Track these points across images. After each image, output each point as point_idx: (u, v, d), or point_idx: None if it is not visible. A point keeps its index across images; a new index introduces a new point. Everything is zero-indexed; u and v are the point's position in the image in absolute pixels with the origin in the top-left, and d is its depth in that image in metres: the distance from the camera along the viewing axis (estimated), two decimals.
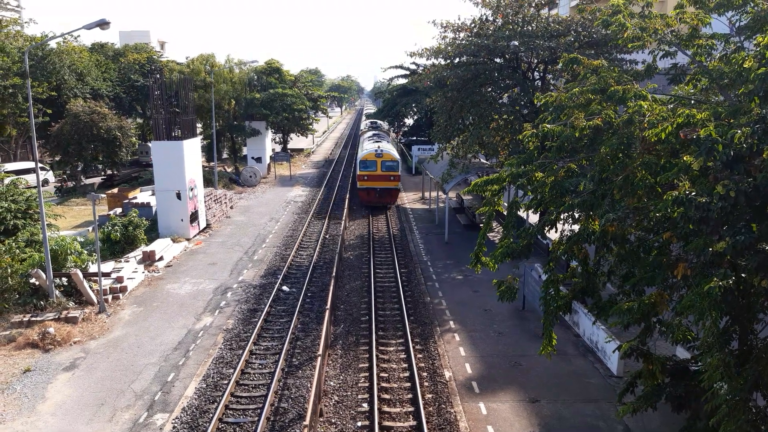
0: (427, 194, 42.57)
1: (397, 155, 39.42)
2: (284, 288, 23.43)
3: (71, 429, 13.86)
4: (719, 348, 8.53)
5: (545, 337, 12.55)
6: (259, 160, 52.27)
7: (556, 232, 12.18)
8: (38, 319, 19.20)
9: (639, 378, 11.61)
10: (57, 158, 42.91)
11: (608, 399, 14.96)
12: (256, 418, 14.26)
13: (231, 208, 37.60)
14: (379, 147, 39.32)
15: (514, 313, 20.70)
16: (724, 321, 9.44)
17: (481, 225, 13.53)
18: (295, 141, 71.29)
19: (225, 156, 55.54)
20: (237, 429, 14.05)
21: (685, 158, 9.67)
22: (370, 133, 52.78)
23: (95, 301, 20.84)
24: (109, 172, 46.16)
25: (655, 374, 11.12)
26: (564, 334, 18.57)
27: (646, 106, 10.92)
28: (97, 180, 46.51)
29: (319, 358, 15.18)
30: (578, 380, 16.07)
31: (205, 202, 32.32)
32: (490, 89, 29.38)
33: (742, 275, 8.58)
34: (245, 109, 50.36)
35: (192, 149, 30.59)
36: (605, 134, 11.31)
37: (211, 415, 14.47)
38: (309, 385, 15.79)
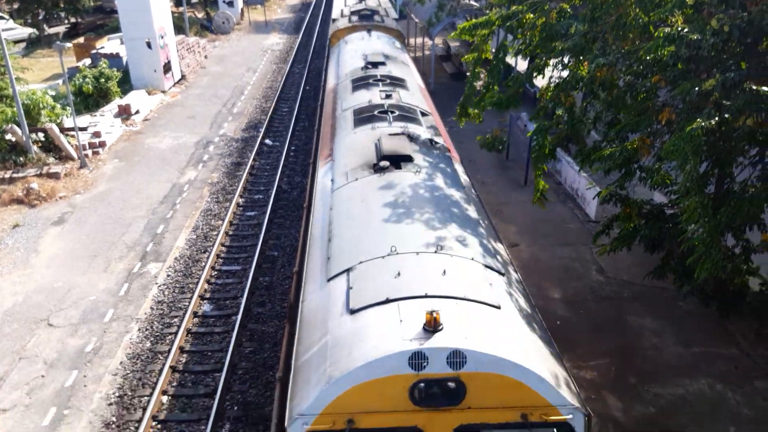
0: (412, 40, 40.88)
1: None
2: (267, 141, 23.19)
3: (68, 280, 14.33)
4: (697, 191, 8.75)
5: (536, 186, 12.79)
6: (231, 4, 49.04)
7: (543, 78, 11.90)
8: (20, 175, 19.03)
9: (615, 221, 12.06)
10: (15, 6, 39.90)
11: (585, 242, 15.63)
12: (248, 266, 14.80)
13: (205, 57, 36.00)
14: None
15: (498, 163, 20.89)
16: (704, 165, 9.62)
17: (468, 74, 13.15)
18: None
19: (194, 0, 52.07)
20: (230, 276, 14.61)
21: None
22: (361, 110, 13.25)
23: (75, 156, 20.56)
24: (72, 20, 43.32)
25: (631, 217, 11.55)
26: (546, 181, 18.88)
27: None
28: (62, 29, 43.77)
29: (305, 209, 15.43)
30: (557, 225, 16.67)
31: (177, 51, 30.80)
32: None
33: (726, 116, 8.56)
34: None
35: None
36: None
37: (203, 263, 14.97)
38: (297, 235, 16.22)
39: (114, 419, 10.46)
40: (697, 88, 8.58)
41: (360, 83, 14.71)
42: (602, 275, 14.25)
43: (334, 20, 25.71)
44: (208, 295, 13.83)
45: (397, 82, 14.85)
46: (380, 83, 14.46)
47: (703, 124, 8.11)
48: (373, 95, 13.60)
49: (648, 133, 10.33)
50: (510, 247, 15.51)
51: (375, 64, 16.26)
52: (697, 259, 8.52)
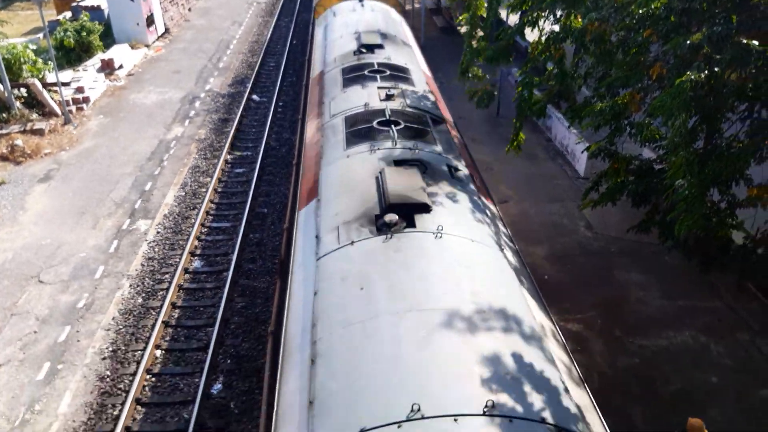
0: None
1: None
2: (254, 97, 22.88)
3: (56, 237, 14.26)
4: (685, 147, 8.79)
5: (513, 135, 12.75)
6: None
7: (538, 30, 11.74)
8: (4, 132, 18.67)
9: (604, 177, 12.13)
10: None
11: (573, 199, 15.74)
12: (237, 223, 14.79)
13: (189, 10, 35.10)
14: None
15: (489, 119, 20.79)
16: (692, 121, 9.64)
17: (459, 29, 12.96)
18: None
19: None
20: (220, 233, 14.62)
21: None
22: None
23: (59, 112, 20.19)
24: None
25: (619, 172, 11.60)
26: (536, 138, 18.91)
27: None
28: None
29: (295, 166, 15.36)
30: (547, 182, 16.74)
31: (160, 4, 29.98)
32: None
33: (715, 69, 8.53)
34: None
35: None
36: None
37: (193, 220, 14.94)
38: (286, 192, 16.18)
39: (108, 373, 10.60)
40: (687, 42, 8.52)
41: (353, 75, 12.24)
42: (590, 231, 14.41)
43: None
44: (198, 252, 13.85)
45: (400, 74, 12.37)
46: (378, 76, 12.00)
47: (692, 77, 8.09)
48: (371, 95, 11.07)
49: (638, 89, 10.30)
50: (500, 203, 15.61)
51: (370, 47, 13.63)
52: (678, 215, 8.62)
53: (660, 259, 13.16)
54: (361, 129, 9.83)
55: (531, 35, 12.62)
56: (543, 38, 11.40)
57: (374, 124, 9.84)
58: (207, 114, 21.24)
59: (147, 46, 27.96)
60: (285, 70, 25.40)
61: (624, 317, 11.61)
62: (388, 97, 10.80)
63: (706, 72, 8.32)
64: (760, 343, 10.91)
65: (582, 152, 16.02)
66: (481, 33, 13.27)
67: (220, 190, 16.44)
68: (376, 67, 12.42)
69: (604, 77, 11.25)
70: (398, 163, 8.64)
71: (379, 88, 11.34)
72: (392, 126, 9.72)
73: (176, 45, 29.12)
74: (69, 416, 9.80)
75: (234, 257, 13.29)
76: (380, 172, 8.20)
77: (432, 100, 11.86)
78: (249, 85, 23.40)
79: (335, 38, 15.38)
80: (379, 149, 9.05)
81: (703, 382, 10.17)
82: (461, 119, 20.85)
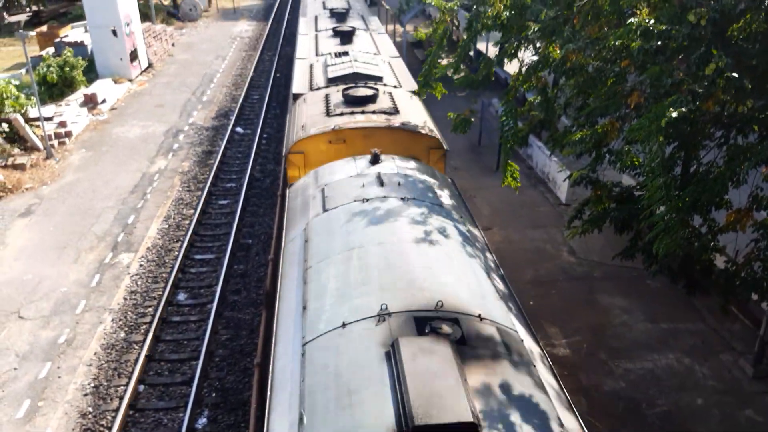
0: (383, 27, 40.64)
1: None
2: (238, 129, 22.99)
3: (37, 272, 14.05)
4: (662, 172, 8.98)
5: (503, 170, 12.94)
6: None
7: (517, 61, 12.04)
8: None
9: (587, 204, 12.30)
10: None
11: (555, 225, 15.92)
12: (222, 255, 14.71)
13: (173, 45, 35.39)
14: None
15: (470, 148, 21.05)
16: (670, 148, 9.86)
17: (432, 47, 13.21)
18: None
19: None
20: (204, 265, 14.51)
21: None
22: None
23: (41, 146, 20.10)
24: (34, 8, 42.10)
25: (602, 199, 11.78)
26: (518, 166, 19.12)
27: None
28: (23, 17, 42.52)
29: (279, 198, 15.38)
30: (529, 209, 16.93)
31: (144, 39, 30.23)
32: None
33: (698, 103, 8.76)
34: None
35: None
36: None
37: (176, 253, 14.82)
38: (271, 223, 16.18)
39: (90, 409, 10.36)
40: (669, 79, 8.74)
41: None
42: (573, 256, 14.54)
43: (295, 97, 13.60)
44: (182, 284, 13.72)
45: None
46: None
47: (675, 114, 8.25)
48: None
49: (617, 117, 10.55)
50: (484, 230, 15.72)
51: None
52: (657, 235, 8.74)
53: (643, 284, 13.29)
54: None
55: (509, 66, 12.91)
56: (523, 69, 11.68)
57: None
58: (191, 147, 21.27)
59: (130, 80, 28.08)
60: (269, 103, 25.60)
61: (609, 341, 11.67)
62: None
63: (691, 106, 8.51)
64: (743, 363, 11.00)
65: (564, 180, 16.26)
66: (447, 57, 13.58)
67: (204, 222, 16.38)
68: None
69: (583, 107, 11.51)
70: None
71: None
72: None
73: (160, 79, 29.27)
74: None
75: (218, 289, 13.18)
76: None
77: None
78: (233, 118, 23.53)
79: (329, 306, 6.68)
80: None
81: (688, 403, 10.21)
82: None
